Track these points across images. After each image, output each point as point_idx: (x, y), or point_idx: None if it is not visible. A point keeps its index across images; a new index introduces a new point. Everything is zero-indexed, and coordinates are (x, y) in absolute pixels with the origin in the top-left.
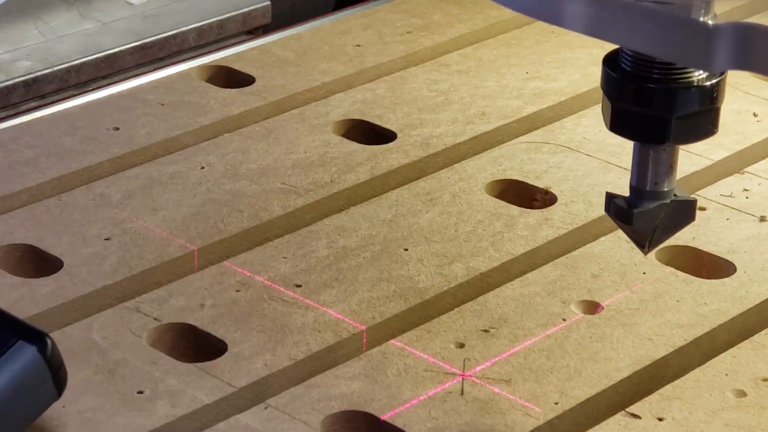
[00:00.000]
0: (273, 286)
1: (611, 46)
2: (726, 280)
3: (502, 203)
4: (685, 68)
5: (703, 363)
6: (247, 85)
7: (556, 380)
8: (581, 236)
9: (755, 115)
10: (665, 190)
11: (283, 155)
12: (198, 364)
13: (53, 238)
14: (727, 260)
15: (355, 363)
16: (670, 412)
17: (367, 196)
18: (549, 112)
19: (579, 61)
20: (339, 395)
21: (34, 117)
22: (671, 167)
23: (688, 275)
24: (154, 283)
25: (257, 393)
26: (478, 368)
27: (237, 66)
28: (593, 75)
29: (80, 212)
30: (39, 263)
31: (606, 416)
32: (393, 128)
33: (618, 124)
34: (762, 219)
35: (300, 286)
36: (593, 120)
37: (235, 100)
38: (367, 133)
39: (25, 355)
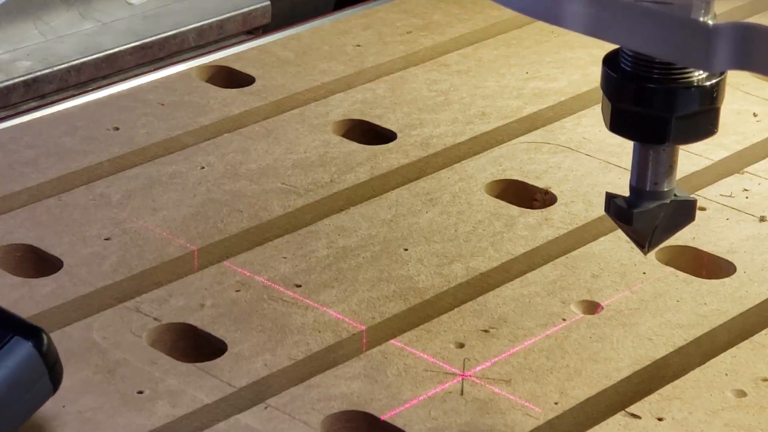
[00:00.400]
0: (273, 286)
1: (611, 46)
2: (726, 280)
3: (502, 203)
4: (685, 68)
5: (703, 363)
6: (247, 85)
7: (556, 380)
8: (581, 236)
9: (755, 115)
10: (665, 190)
11: (283, 155)
12: (198, 364)
13: (53, 238)
14: (727, 260)
15: (355, 363)
16: (670, 412)
17: (367, 196)
18: (549, 112)
19: (579, 61)
20: (339, 395)
21: (34, 117)
22: (671, 167)
23: (688, 275)
24: (154, 283)
25: (257, 393)
26: (478, 368)
27: (237, 66)
28: (593, 75)
29: (80, 212)
30: (39, 263)
31: (606, 416)
32: (393, 128)
33: (618, 124)
34: (762, 219)
35: (300, 286)
36: (593, 120)
37: (235, 100)
38: (367, 133)
39: (20, 350)
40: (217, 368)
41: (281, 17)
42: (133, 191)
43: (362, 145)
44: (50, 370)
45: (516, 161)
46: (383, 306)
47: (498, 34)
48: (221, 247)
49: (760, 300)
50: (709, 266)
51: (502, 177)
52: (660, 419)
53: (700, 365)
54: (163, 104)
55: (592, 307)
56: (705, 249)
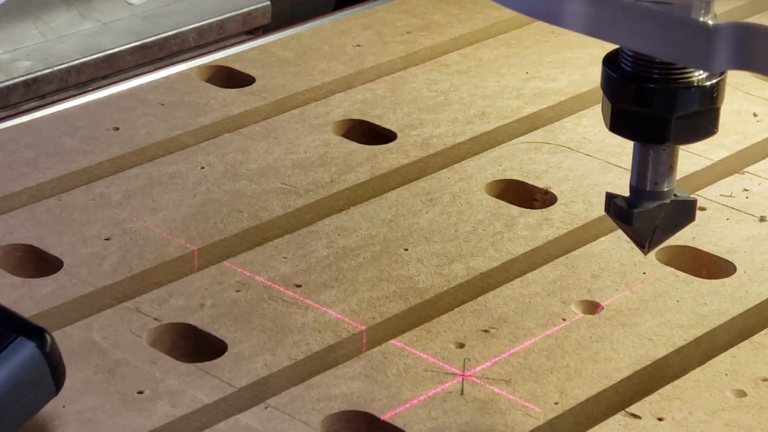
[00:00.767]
0: (273, 286)
1: (611, 46)
2: (726, 280)
3: (502, 203)
4: (685, 68)
5: (703, 363)
6: (247, 85)
7: (556, 380)
8: (581, 236)
9: (755, 115)
10: (665, 190)
11: (283, 155)
12: (198, 364)
13: (53, 238)
14: (727, 260)
15: (355, 363)
16: (670, 412)
17: (367, 196)
18: (549, 112)
19: (579, 61)
20: (339, 395)
21: (34, 117)
22: (671, 167)
23: (688, 275)
24: (154, 283)
25: (257, 393)
26: (478, 368)
27: (237, 66)
28: (593, 75)
29: (80, 212)
30: (39, 263)
31: (606, 416)
32: (393, 128)
33: (618, 124)
34: (762, 219)
35: (300, 286)
36: (593, 120)
37: (235, 100)
38: (367, 133)
39: (24, 350)
40: (217, 368)
41: (281, 17)
42: (133, 191)
43: (362, 145)
44: (53, 370)
45: (516, 161)
46: (383, 306)
47: (498, 34)
48: (221, 247)
49: (760, 300)
50: (709, 266)
51: (502, 177)
52: (660, 419)
53: (700, 365)
54: (163, 104)
55: (592, 307)
56: (705, 249)
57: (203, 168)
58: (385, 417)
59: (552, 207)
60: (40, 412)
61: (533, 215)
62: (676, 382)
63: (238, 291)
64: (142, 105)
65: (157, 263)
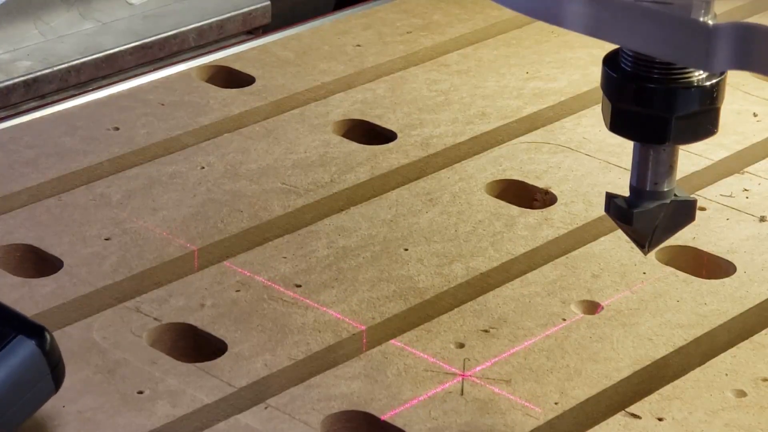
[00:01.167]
0: (273, 286)
1: (611, 46)
2: (726, 280)
3: (502, 203)
4: (685, 68)
5: (703, 363)
6: (247, 85)
7: (556, 380)
8: (581, 236)
9: (755, 115)
10: (665, 190)
11: (283, 155)
12: (198, 364)
13: (53, 238)
14: (727, 260)
15: (355, 363)
16: (670, 412)
17: (367, 196)
18: (549, 112)
19: (579, 61)
20: (339, 395)
21: (34, 117)
22: (671, 167)
23: (688, 275)
24: (154, 283)
25: (257, 393)
26: (478, 368)
27: (237, 66)
28: (593, 75)
29: (80, 212)
30: (39, 263)
31: (606, 416)
32: (393, 128)
33: (618, 124)
34: (762, 219)
35: (300, 286)
36: (593, 120)
37: (235, 100)
38: (367, 133)
39: (24, 349)
40: (217, 368)
41: (281, 17)
42: (133, 191)
43: (362, 145)
44: (53, 369)
45: (516, 161)
46: (383, 306)
47: (498, 34)
48: (221, 247)
49: (760, 300)
50: (709, 266)
51: (502, 177)
52: (660, 419)
53: (700, 365)
54: (163, 104)
55: (592, 307)
56: (705, 249)
57: (203, 168)
58: (385, 417)
59: (552, 207)
60: (40, 411)
61: (533, 215)
62: (676, 382)
63: (238, 291)
64: (142, 105)
65: (157, 263)
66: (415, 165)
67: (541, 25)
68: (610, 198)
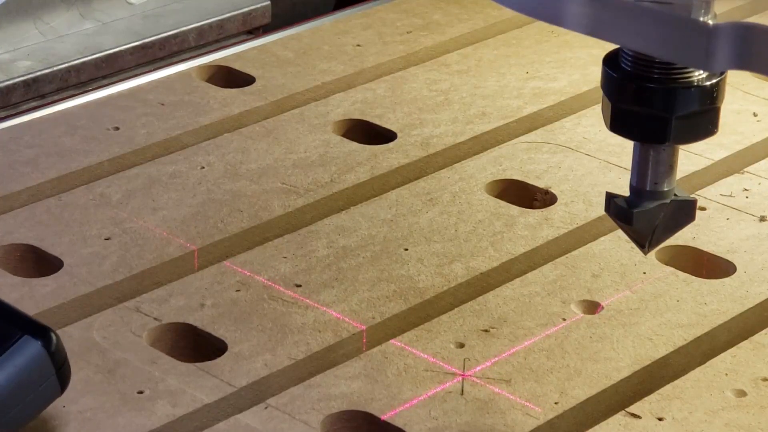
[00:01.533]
0: (273, 286)
1: (611, 46)
2: (726, 280)
3: (502, 203)
4: (685, 68)
5: (703, 363)
6: (247, 85)
7: (556, 380)
8: (581, 236)
9: (755, 115)
10: (665, 189)
11: (283, 155)
12: (198, 364)
13: (53, 238)
14: (727, 260)
15: (355, 363)
16: (670, 412)
17: (367, 196)
18: (549, 112)
19: (579, 61)
20: (339, 395)
21: (34, 117)
22: (671, 167)
23: (688, 275)
24: (154, 283)
25: (257, 393)
26: (478, 368)
27: (237, 66)
28: (593, 75)
29: (80, 212)
30: (39, 263)
31: (606, 416)
32: (393, 128)
33: (618, 123)
34: (762, 219)
35: (300, 285)
36: (593, 120)
37: (235, 100)
38: (367, 133)
39: (30, 349)
40: (217, 368)
41: (281, 17)
42: (133, 191)
43: (362, 145)
44: (58, 370)
45: (516, 161)
46: (383, 306)
47: (498, 34)
48: (221, 247)
49: (760, 300)
50: (709, 266)
51: (502, 177)
52: (660, 419)
53: (700, 365)
54: (163, 104)
55: (592, 307)
56: (705, 249)
57: (203, 168)
58: (385, 417)
59: (552, 207)
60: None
61: (533, 215)
62: (676, 382)
63: (238, 291)
64: (142, 105)
65: (157, 263)
66: (415, 165)
67: (541, 25)
68: (610, 198)
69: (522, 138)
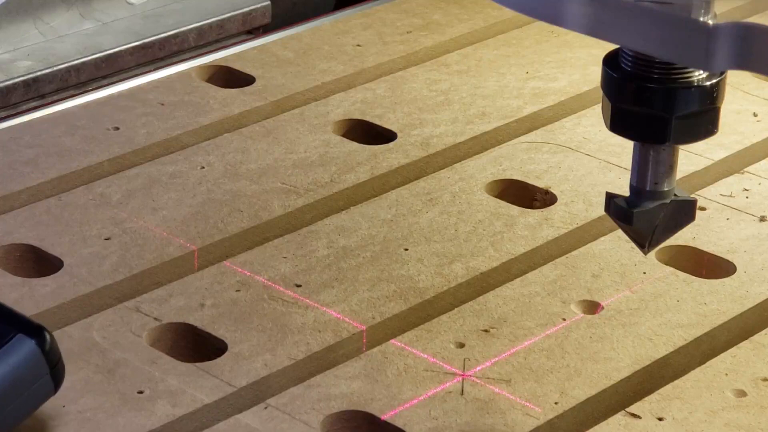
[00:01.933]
0: (273, 286)
1: (611, 46)
2: (726, 280)
3: (502, 203)
4: (685, 68)
5: (703, 363)
6: (247, 85)
7: (556, 380)
8: (581, 236)
9: (755, 115)
10: (665, 189)
11: (283, 155)
12: (198, 364)
13: (53, 238)
14: (727, 260)
15: (355, 363)
16: (670, 412)
17: (367, 196)
18: (549, 112)
19: (579, 61)
20: (339, 395)
21: (34, 117)
22: (671, 167)
23: (688, 275)
24: (154, 283)
25: (257, 393)
26: (478, 368)
27: (237, 66)
28: (593, 75)
29: (80, 212)
30: (39, 263)
31: (606, 416)
32: (393, 128)
33: (618, 123)
34: (762, 219)
35: (300, 286)
36: (593, 120)
37: (235, 100)
38: (367, 133)
39: (23, 348)
40: (217, 368)
41: (281, 17)
42: (133, 191)
43: (362, 145)
44: (52, 368)
45: (516, 161)
46: (383, 306)
47: (498, 34)
48: (221, 247)
49: (760, 300)
50: (709, 266)
51: (502, 177)
52: (660, 419)
53: (700, 365)
54: (163, 104)
55: (592, 307)
56: (705, 249)
57: (203, 168)
58: (385, 417)
59: (552, 207)
60: (39, 412)
61: (533, 215)
62: (676, 382)
63: (238, 291)
64: (142, 105)
65: (157, 263)
66: (415, 165)
67: (541, 25)
68: (610, 198)
69: (522, 138)
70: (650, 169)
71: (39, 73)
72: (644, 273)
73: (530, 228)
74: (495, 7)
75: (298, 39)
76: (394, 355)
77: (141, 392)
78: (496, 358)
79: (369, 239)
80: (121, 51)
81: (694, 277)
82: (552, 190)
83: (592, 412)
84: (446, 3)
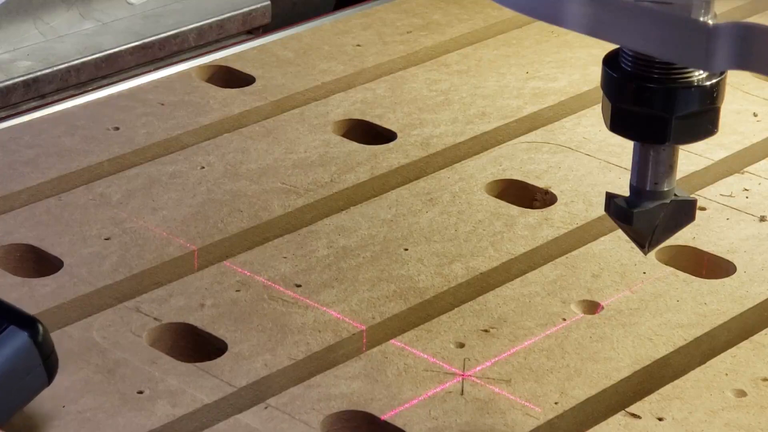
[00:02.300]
0: (273, 286)
1: (611, 46)
2: (726, 280)
3: (502, 203)
4: (685, 68)
5: (703, 363)
6: (247, 85)
7: (556, 380)
8: (581, 236)
9: (755, 115)
10: (665, 189)
11: (283, 155)
12: (198, 364)
13: (53, 238)
14: (727, 260)
15: (355, 363)
16: (670, 412)
17: (367, 196)
18: (549, 112)
19: (579, 61)
20: (339, 395)
21: (34, 117)
22: (671, 167)
23: (688, 275)
24: (154, 283)
25: (257, 393)
26: (478, 368)
27: (237, 66)
28: (593, 75)
29: (80, 212)
30: (39, 263)
31: (606, 416)
32: (393, 128)
33: (618, 123)
34: (762, 219)
35: (300, 285)
36: (593, 120)
37: (235, 100)
38: (367, 133)
39: (16, 340)
40: (217, 368)
41: (281, 17)
42: (133, 191)
43: (362, 145)
44: (45, 360)
45: (516, 161)
46: (383, 306)
47: (498, 34)
48: (221, 247)
49: (760, 300)
50: (709, 266)
51: (502, 177)
52: (660, 419)
53: (700, 365)
54: (163, 104)
55: (592, 307)
56: (705, 249)
57: (203, 168)
58: (385, 417)
59: (552, 207)
60: (39, 412)
61: (533, 215)
62: (676, 382)
63: (238, 291)
64: (142, 105)
65: (157, 263)
66: (415, 165)
67: (541, 25)
68: (610, 198)
69: (522, 138)
70: (650, 169)
71: (39, 73)
72: (644, 273)
73: (530, 228)
74: (495, 7)
75: (298, 39)
76: (394, 355)
77: (141, 392)
78: (496, 358)
79: (369, 239)
80: (121, 51)
81: (694, 277)
82: (552, 190)
83: (592, 412)
84: (446, 3)
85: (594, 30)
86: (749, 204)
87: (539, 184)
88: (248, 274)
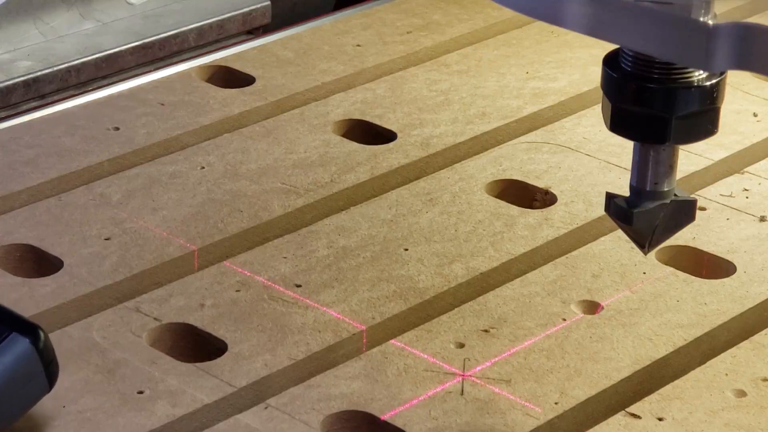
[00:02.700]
0: (273, 286)
1: (611, 46)
2: (726, 280)
3: (502, 203)
4: (685, 68)
5: (703, 363)
6: (247, 85)
7: (556, 380)
8: (581, 236)
9: (755, 115)
10: (665, 190)
11: (283, 155)
12: (198, 364)
13: (53, 238)
14: (727, 260)
15: (355, 363)
16: (670, 412)
17: (367, 196)
18: (549, 112)
19: (579, 61)
20: (339, 395)
21: (34, 117)
22: (671, 167)
23: (688, 275)
24: (154, 283)
25: (257, 393)
26: (478, 368)
27: (237, 66)
28: (593, 75)
29: (80, 212)
30: (39, 263)
31: (606, 416)
32: (393, 128)
33: (618, 123)
34: (762, 219)
35: (300, 286)
36: (593, 120)
37: (235, 100)
38: (367, 133)
39: (17, 347)
40: (217, 368)
41: (281, 17)
42: (133, 191)
43: (362, 145)
44: (46, 367)
45: (516, 161)
46: (383, 306)
47: (498, 34)
48: (221, 247)
49: (760, 300)
50: (709, 266)
51: (502, 177)
52: (660, 419)
53: (700, 365)
54: (163, 104)
55: (592, 307)
56: (705, 249)
57: (203, 168)
58: (385, 417)
59: (552, 207)
60: (39, 412)
61: (533, 215)
62: (676, 382)
63: (238, 291)
64: (142, 105)
65: (157, 263)
66: (415, 165)
67: (541, 25)
68: (610, 198)
69: (522, 138)
70: (650, 169)
71: (39, 73)
72: (644, 273)
73: (530, 228)
74: (495, 7)
75: (298, 39)
76: (394, 355)
77: (141, 392)
78: (496, 358)
79: (369, 239)
80: (121, 51)
81: (694, 277)
82: (552, 190)
83: (592, 412)
84: (446, 3)
85: (594, 30)
86: (749, 204)
87: (539, 184)
88: (248, 274)
